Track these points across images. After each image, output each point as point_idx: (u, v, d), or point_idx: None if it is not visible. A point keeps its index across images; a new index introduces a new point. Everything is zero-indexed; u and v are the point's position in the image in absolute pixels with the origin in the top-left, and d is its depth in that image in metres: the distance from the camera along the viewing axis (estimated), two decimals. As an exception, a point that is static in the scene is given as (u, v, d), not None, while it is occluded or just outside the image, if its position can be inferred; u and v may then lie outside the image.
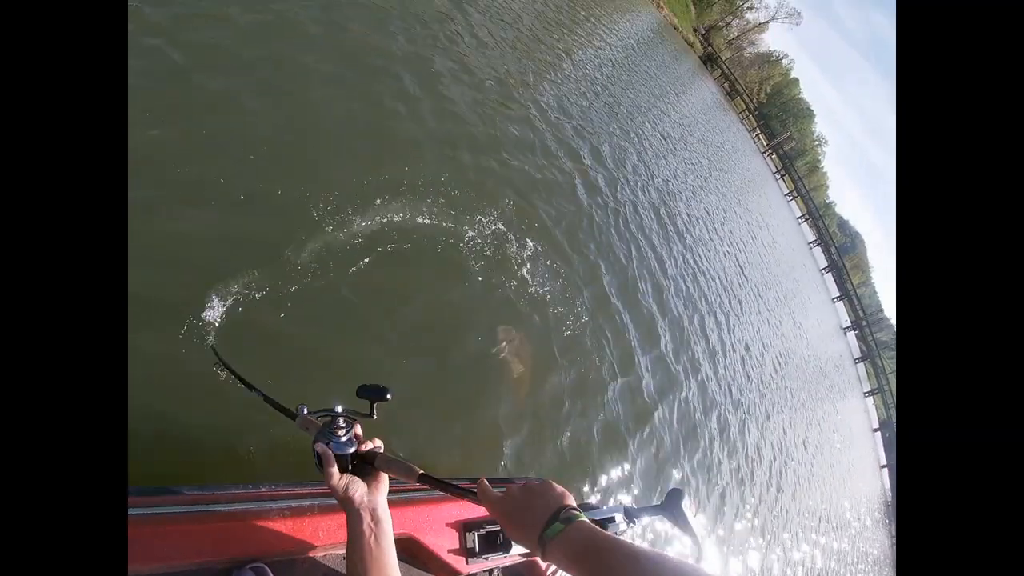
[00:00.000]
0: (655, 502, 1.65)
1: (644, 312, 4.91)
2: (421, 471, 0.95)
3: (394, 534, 1.00)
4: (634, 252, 5.52)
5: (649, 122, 10.55)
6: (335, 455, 0.96)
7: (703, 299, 6.71)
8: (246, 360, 1.87)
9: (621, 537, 0.76)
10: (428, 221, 3.16)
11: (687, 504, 1.57)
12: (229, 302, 2.03)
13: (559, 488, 0.86)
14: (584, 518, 0.80)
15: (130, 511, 0.94)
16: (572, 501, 0.85)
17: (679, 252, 6.96)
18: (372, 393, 0.99)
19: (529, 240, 3.85)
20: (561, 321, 3.71)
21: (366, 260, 2.64)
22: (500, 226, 3.66)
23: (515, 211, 3.97)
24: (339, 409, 1.01)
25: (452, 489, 0.94)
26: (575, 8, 11.48)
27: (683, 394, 4.72)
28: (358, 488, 0.96)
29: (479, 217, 3.54)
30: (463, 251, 3.27)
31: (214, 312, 1.96)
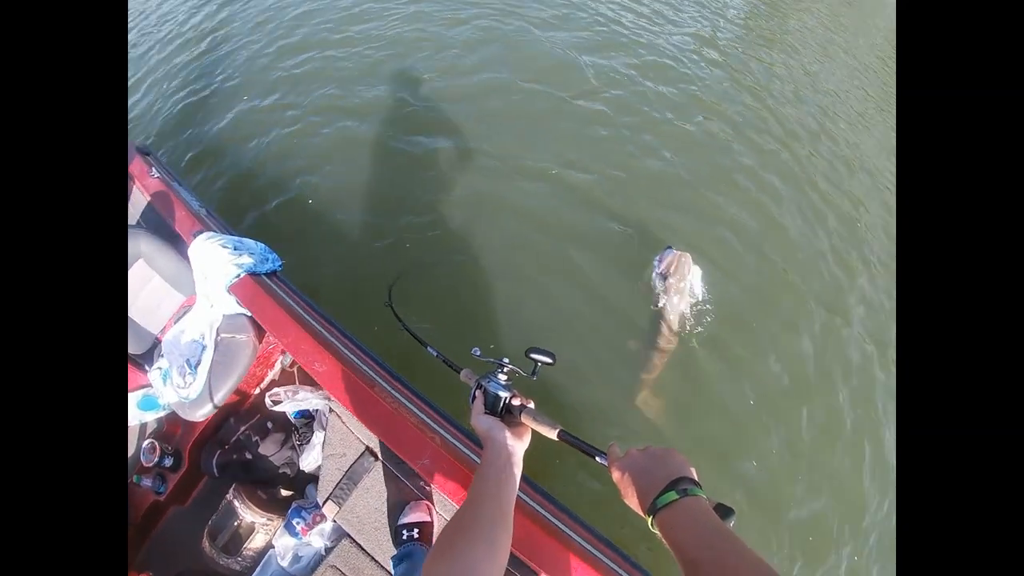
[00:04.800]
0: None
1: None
2: (561, 428, 0.99)
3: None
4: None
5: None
6: (489, 392, 1.05)
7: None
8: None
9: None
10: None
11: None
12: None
13: (681, 457, 0.83)
14: (702, 495, 0.75)
15: None
16: (693, 473, 0.80)
17: None
18: (539, 355, 1.06)
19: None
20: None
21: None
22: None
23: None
24: (506, 360, 1.12)
25: (585, 447, 0.97)
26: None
27: None
28: (502, 429, 0.99)
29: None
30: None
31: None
